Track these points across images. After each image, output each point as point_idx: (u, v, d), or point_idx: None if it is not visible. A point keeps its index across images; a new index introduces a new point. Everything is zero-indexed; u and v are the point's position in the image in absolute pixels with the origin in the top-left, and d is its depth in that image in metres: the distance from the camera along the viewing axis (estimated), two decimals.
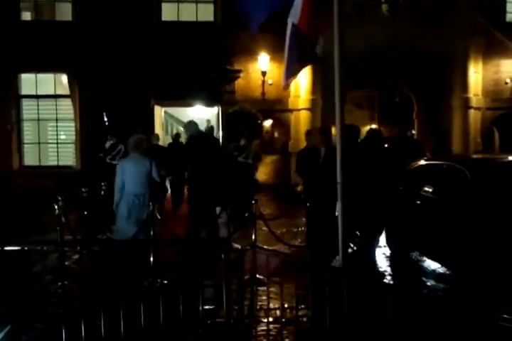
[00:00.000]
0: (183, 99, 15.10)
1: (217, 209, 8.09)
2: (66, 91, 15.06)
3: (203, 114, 18.35)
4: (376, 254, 6.77)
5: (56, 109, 15.34)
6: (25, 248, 4.41)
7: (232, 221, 8.08)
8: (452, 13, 14.69)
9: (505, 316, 2.54)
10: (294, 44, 4.22)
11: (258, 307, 5.11)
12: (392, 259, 7.28)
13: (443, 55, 15.22)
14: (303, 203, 8.26)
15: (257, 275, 5.61)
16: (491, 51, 15.36)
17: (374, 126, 30.89)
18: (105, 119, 12.84)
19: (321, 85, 14.73)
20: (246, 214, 6.44)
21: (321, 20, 4.18)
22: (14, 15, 14.94)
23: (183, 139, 12.36)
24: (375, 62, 15.51)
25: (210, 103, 15.80)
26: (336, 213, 4.01)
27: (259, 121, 15.28)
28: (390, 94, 25.61)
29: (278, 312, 4.75)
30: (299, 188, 10.09)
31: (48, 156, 15.72)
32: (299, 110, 15.27)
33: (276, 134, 15.99)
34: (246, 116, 14.90)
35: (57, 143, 15.61)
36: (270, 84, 15.07)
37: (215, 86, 14.90)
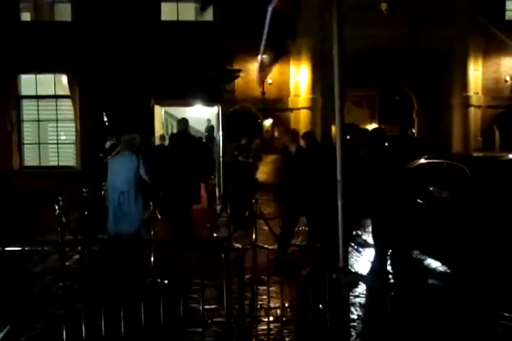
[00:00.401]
0: (183, 98, 15.07)
1: (218, 208, 8.12)
2: (66, 91, 15.07)
3: (203, 114, 18.32)
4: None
5: (56, 110, 15.35)
6: (26, 248, 4.40)
7: (233, 220, 8.09)
8: (452, 11, 14.70)
9: (505, 314, 2.54)
10: (271, 29, 4.23)
11: (258, 306, 5.11)
12: (392, 258, 7.26)
13: (443, 54, 15.22)
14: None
15: (258, 275, 5.61)
16: (491, 49, 15.37)
17: (374, 125, 30.88)
18: (105, 119, 12.85)
19: (321, 84, 14.74)
20: (246, 214, 6.44)
21: None
22: (14, 16, 14.97)
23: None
24: (375, 61, 15.52)
25: (210, 102, 15.76)
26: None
27: (259, 121, 15.29)
28: (390, 93, 25.61)
29: (278, 311, 4.75)
30: None
31: (48, 157, 15.73)
32: (299, 109, 15.27)
33: (276, 133, 15.99)
34: (246, 115, 14.91)
35: (57, 143, 15.61)
36: (270, 84, 15.08)
37: (215, 85, 14.88)
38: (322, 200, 6.90)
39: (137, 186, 6.98)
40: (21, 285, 5.28)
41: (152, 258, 5.43)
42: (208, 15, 15.35)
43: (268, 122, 15.79)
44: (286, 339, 4.43)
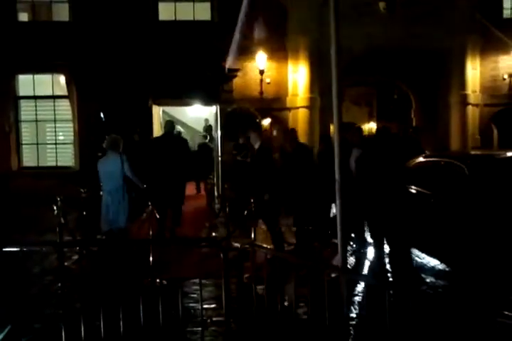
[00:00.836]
0: (181, 98, 15.06)
1: (216, 207, 8.16)
2: (64, 91, 15.03)
3: (201, 113, 18.34)
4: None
5: (54, 110, 15.31)
6: (25, 249, 4.40)
7: (232, 220, 8.08)
8: (449, 10, 14.70)
9: (504, 312, 2.54)
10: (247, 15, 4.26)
11: (257, 305, 5.11)
12: (391, 256, 7.27)
13: (440, 52, 15.22)
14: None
15: (257, 274, 5.60)
16: (489, 48, 15.36)
17: (372, 124, 30.91)
18: (101, 115, 12.89)
19: (319, 83, 14.72)
20: (245, 213, 6.43)
21: None
22: (11, 16, 14.92)
23: None
24: (373, 60, 15.52)
25: (208, 102, 15.75)
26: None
27: (257, 120, 15.27)
28: (388, 92, 25.63)
29: (277, 310, 4.74)
30: None
31: (46, 157, 15.70)
32: (297, 108, 15.25)
33: (274, 133, 15.97)
34: (244, 114, 14.89)
35: (55, 143, 15.58)
36: (268, 83, 15.07)
37: (213, 85, 14.87)
38: (309, 201, 7.00)
39: (124, 185, 7.43)
40: (20, 285, 5.27)
41: (151, 258, 5.43)
42: (206, 15, 15.33)
43: (266, 121, 15.77)
44: (285, 338, 4.43)
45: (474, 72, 15.57)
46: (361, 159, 6.92)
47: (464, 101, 15.53)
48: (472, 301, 2.99)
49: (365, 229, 7.64)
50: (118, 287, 4.61)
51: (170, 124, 9.41)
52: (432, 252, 6.66)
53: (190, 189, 12.43)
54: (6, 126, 14.97)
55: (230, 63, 4.95)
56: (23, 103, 15.41)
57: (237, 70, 14.95)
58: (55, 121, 15.42)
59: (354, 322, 4.89)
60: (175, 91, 14.54)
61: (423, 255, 6.93)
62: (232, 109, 14.91)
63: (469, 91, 15.55)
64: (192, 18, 15.20)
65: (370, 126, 31.40)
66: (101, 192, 8.31)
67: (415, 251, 7.09)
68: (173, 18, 15.22)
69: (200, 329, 4.27)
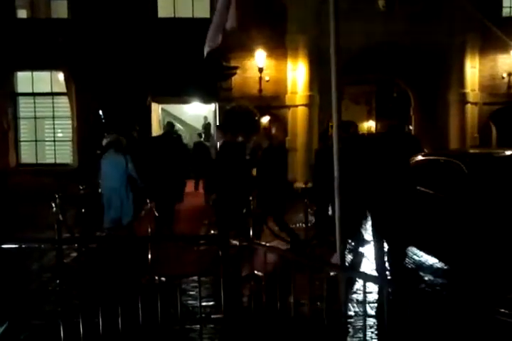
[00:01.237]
0: (180, 96, 15.07)
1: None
2: (62, 88, 15.01)
3: (200, 111, 18.33)
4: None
5: (53, 107, 15.31)
6: (23, 246, 4.40)
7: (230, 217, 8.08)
8: (448, 8, 14.69)
9: (502, 310, 2.55)
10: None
11: (256, 303, 5.11)
12: (389, 255, 7.27)
13: (440, 51, 15.23)
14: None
15: (255, 272, 5.61)
16: (488, 46, 15.36)
17: (371, 122, 30.92)
18: (100, 113, 12.88)
19: (318, 81, 14.71)
20: (244, 211, 6.44)
21: None
22: (10, 13, 14.90)
23: None
24: (372, 58, 15.52)
25: (207, 100, 15.77)
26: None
27: (256, 118, 15.26)
28: (388, 90, 25.65)
29: (276, 308, 4.74)
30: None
31: (44, 154, 15.70)
32: (297, 106, 15.25)
33: (273, 130, 15.96)
34: (243, 112, 14.87)
35: (54, 140, 15.57)
36: (267, 81, 15.06)
37: (212, 83, 14.86)
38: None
39: (127, 183, 7.63)
40: (19, 282, 5.28)
41: (149, 256, 5.43)
42: (205, 12, 15.31)
43: (265, 119, 15.77)
44: (284, 336, 4.44)
45: (473, 70, 15.57)
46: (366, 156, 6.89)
47: (462, 100, 15.54)
48: (470, 299, 2.99)
49: (364, 227, 7.64)
50: (117, 284, 4.61)
51: (170, 125, 9.73)
52: (431, 250, 6.67)
53: (188, 186, 12.42)
54: (4, 123, 14.96)
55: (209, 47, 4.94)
56: (21, 100, 15.39)
57: (236, 68, 14.95)
58: (53, 118, 15.41)
59: (352, 320, 4.89)
60: (174, 89, 14.54)
61: (421, 253, 6.94)
62: (231, 106, 14.90)
63: (468, 89, 15.56)
64: (191, 16, 15.18)
65: (369, 125, 31.42)
66: (99, 190, 8.34)
67: (414, 250, 7.10)
68: (172, 16, 15.20)
69: (198, 326, 4.27)
